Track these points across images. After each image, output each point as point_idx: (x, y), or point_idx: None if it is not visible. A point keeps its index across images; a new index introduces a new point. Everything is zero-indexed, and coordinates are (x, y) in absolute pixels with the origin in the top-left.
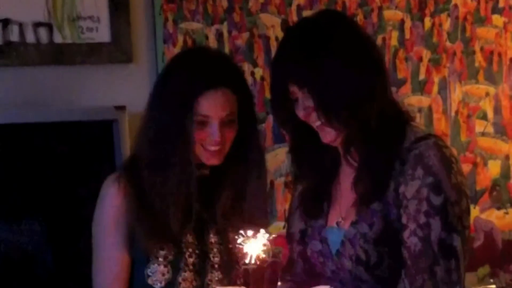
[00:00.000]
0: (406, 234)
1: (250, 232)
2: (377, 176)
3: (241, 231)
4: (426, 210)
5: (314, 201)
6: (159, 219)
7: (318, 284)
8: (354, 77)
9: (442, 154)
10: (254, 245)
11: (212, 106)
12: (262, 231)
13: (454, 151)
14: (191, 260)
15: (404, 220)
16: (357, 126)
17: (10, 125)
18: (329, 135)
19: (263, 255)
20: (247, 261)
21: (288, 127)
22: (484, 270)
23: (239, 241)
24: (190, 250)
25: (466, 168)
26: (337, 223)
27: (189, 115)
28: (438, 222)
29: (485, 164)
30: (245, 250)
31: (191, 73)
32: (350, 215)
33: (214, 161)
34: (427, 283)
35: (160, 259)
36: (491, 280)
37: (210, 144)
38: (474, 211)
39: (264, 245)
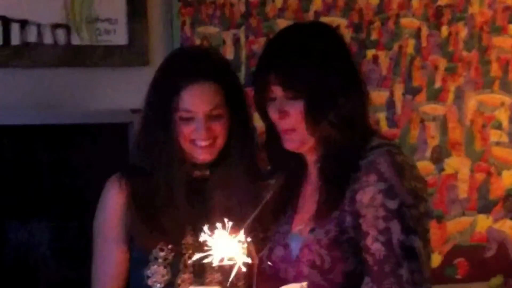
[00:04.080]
0: (368, 241)
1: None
2: (334, 188)
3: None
4: (384, 215)
5: (280, 207)
6: (156, 218)
7: None
8: (344, 89)
9: (393, 160)
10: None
11: (195, 101)
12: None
13: (410, 158)
14: (190, 261)
15: (364, 227)
16: (335, 136)
17: (25, 127)
18: (293, 143)
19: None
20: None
21: (266, 123)
22: (496, 280)
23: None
24: (190, 251)
25: (479, 177)
26: (299, 230)
27: (172, 112)
28: (397, 225)
29: (499, 174)
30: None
31: (172, 69)
32: (310, 222)
33: (206, 157)
34: (394, 286)
35: (160, 260)
36: None
37: (198, 139)
38: (487, 221)
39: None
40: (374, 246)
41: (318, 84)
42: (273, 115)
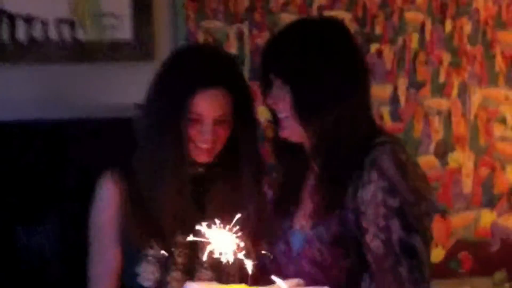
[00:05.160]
0: (368, 238)
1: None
2: (336, 186)
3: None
4: (384, 213)
5: (282, 203)
6: (152, 216)
7: None
8: (335, 82)
9: (396, 158)
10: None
11: (207, 105)
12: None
13: (413, 156)
14: (180, 259)
15: (364, 224)
16: (324, 129)
17: (32, 122)
18: (286, 130)
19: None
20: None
21: (273, 117)
22: (500, 275)
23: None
24: (180, 249)
25: (484, 172)
26: (300, 226)
27: (184, 113)
28: (397, 223)
29: (504, 169)
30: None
31: (188, 71)
32: (312, 219)
33: (204, 159)
34: (393, 284)
35: (150, 258)
36: (507, 285)
37: (201, 141)
38: (492, 216)
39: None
40: (374, 243)
41: (304, 72)
42: (268, 101)
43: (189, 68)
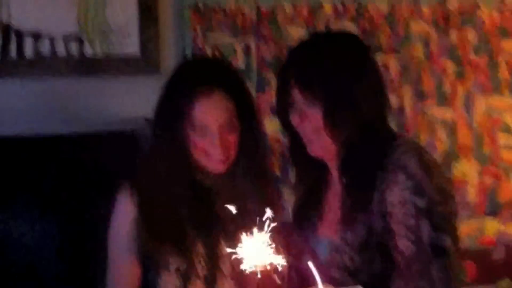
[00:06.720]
0: (397, 239)
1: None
2: (363, 191)
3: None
4: (413, 213)
5: (304, 213)
6: (168, 227)
7: None
8: (365, 97)
9: (420, 158)
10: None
11: (209, 112)
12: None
13: (434, 157)
14: (201, 269)
15: (393, 226)
16: (356, 142)
17: (40, 137)
18: (318, 149)
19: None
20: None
21: (288, 131)
22: (504, 283)
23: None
24: (201, 259)
25: (488, 181)
26: (325, 235)
27: (185, 123)
28: (427, 223)
29: (508, 177)
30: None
31: (184, 78)
32: (337, 227)
33: (220, 169)
34: (425, 285)
35: (171, 270)
36: None
37: (213, 153)
38: (496, 224)
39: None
40: (404, 244)
41: (335, 87)
42: (294, 119)
43: (185, 75)
